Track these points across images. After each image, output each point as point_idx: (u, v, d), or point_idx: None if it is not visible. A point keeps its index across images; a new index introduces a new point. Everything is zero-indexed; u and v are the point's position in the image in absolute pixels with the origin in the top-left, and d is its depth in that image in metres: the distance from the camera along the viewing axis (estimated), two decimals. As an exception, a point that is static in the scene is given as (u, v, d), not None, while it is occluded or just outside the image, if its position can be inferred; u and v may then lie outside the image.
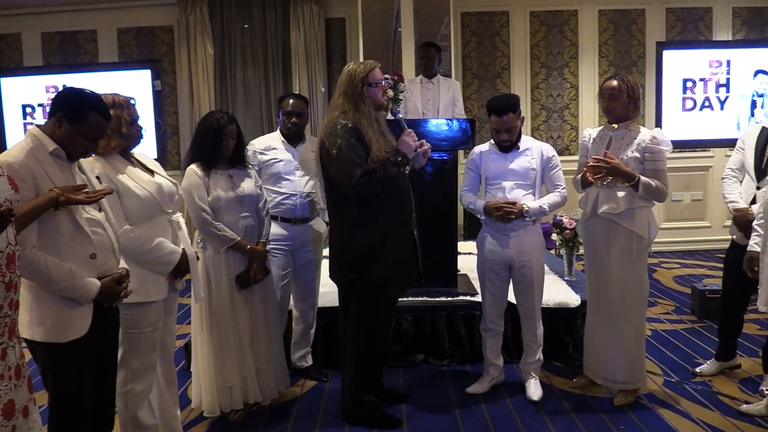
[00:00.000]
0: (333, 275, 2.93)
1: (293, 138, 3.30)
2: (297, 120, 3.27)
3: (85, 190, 1.91)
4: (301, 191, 3.24)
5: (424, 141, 2.84)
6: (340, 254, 2.83)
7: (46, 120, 1.96)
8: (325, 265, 3.27)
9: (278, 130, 3.36)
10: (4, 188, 1.51)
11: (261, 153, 3.25)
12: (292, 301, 3.42)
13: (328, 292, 3.52)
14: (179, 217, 2.53)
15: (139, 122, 2.37)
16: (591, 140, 3.09)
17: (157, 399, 2.48)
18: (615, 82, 2.92)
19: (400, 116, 3.04)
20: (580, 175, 3.10)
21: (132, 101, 2.36)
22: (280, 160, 3.25)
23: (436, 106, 4.81)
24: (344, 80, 2.77)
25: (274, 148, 3.28)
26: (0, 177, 1.52)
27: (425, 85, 4.81)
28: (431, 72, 4.85)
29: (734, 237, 3.18)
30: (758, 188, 3.01)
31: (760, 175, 3.05)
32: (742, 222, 3.04)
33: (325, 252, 3.28)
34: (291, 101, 3.28)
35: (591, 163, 2.91)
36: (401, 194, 2.78)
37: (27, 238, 1.80)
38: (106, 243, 2.02)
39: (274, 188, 3.22)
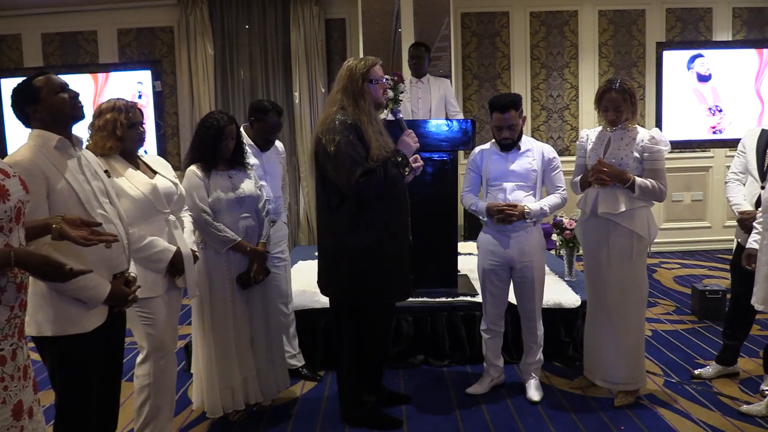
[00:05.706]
0: (322, 281, 2.84)
1: (265, 144, 3.24)
2: (278, 131, 3.25)
3: (86, 230, 1.79)
4: (269, 196, 3.16)
5: (418, 156, 2.78)
6: (332, 258, 2.74)
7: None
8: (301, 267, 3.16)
9: (243, 131, 3.18)
10: (17, 189, 1.50)
11: None
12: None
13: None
14: (185, 215, 2.58)
15: (143, 126, 2.39)
16: (588, 141, 3.08)
17: None
18: (616, 94, 2.89)
19: (401, 116, 3.01)
20: (578, 178, 3.10)
21: (134, 104, 2.37)
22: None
23: (427, 105, 4.80)
24: (344, 75, 2.70)
25: None
26: (12, 177, 1.51)
27: (415, 84, 4.81)
28: (421, 72, 4.85)
29: (739, 240, 3.17)
30: (763, 188, 3.01)
31: (763, 177, 3.05)
32: (748, 224, 3.03)
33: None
34: (276, 119, 3.19)
35: (593, 176, 2.90)
36: (399, 197, 2.73)
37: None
38: (118, 239, 2.04)
39: None
